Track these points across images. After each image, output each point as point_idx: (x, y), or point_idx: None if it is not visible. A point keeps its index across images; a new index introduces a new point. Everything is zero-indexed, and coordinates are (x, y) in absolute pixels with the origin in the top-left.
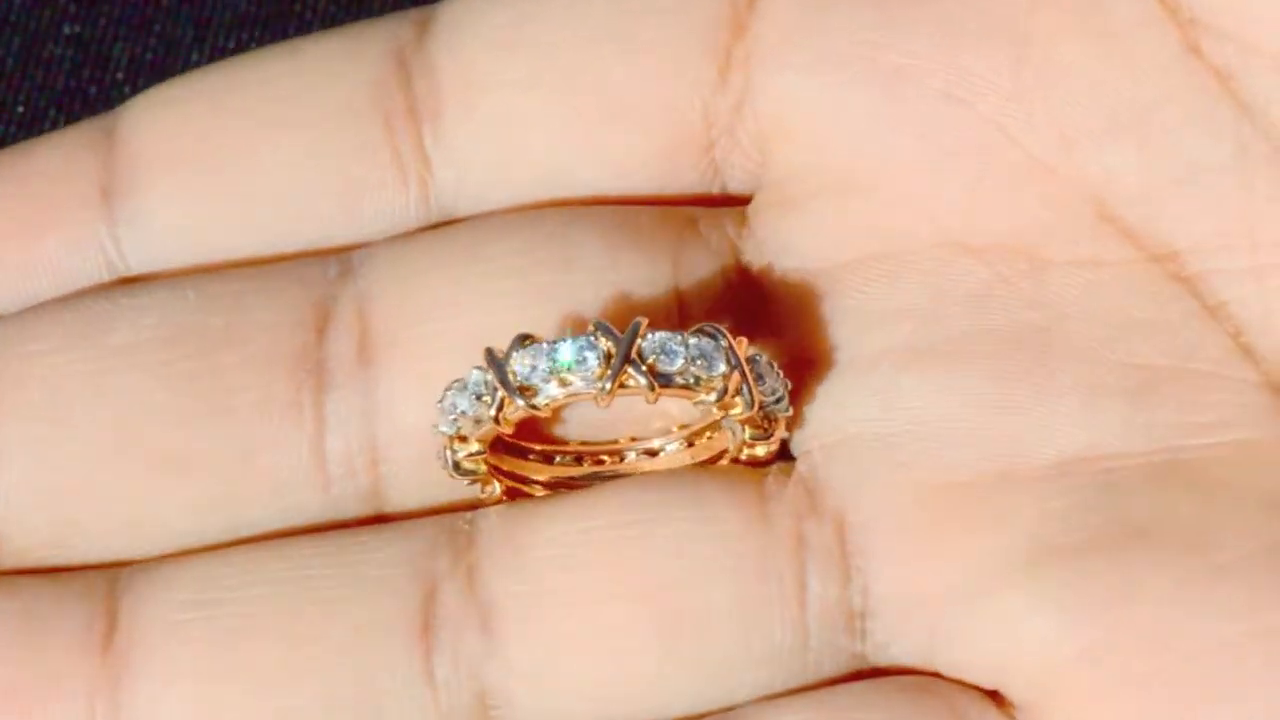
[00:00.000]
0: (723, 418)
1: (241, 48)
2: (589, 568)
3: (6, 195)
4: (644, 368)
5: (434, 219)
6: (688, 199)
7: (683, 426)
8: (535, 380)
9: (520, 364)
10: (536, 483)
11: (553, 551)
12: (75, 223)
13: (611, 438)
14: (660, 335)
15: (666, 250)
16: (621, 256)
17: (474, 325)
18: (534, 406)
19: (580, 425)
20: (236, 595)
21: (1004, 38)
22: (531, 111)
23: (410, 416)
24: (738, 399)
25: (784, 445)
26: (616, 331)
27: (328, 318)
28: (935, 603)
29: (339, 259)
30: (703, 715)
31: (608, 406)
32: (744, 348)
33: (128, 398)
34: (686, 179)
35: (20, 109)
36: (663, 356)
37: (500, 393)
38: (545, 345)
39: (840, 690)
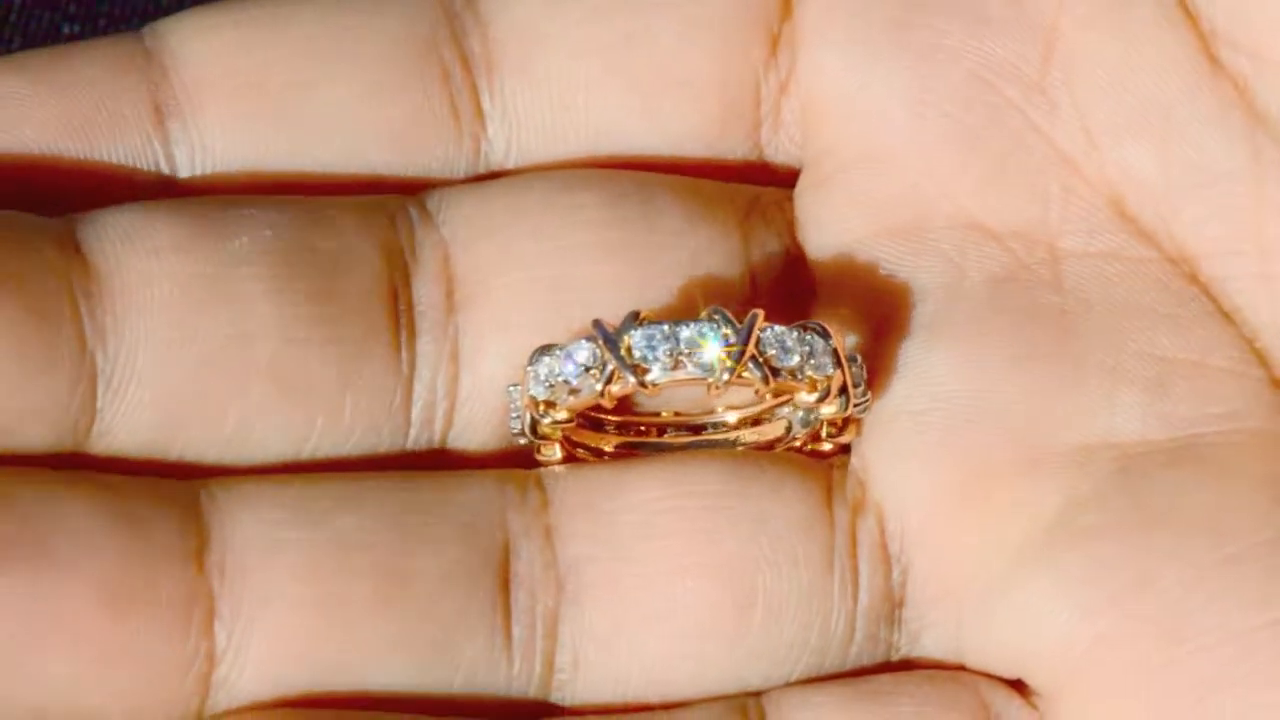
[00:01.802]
0: (777, 404)
1: None
2: (670, 537)
3: (57, 97)
4: (761, 361)
5: (482, 172)
6: (739, 171)
7: (730, 407)
8: (651, 360)
9: (638, 342)
10: (600, 451)
11: (634, 518)
12: (130, 134)
13: (656, 410)
14: (777, 329)
15: (735, 222)
16: (698, 224)
17: (557, 276)
18: (643, 384)
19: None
20: (331, 523)
21: (1032, 29)
22: (587, 72)
23: (493, 368)
24: (834, 401)
25: None
26: (735, 320)
27: (416, 261)
28: (962, 592)
29: (416, 201)
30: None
31: (719, 395)
32: (845, 350)
33: (250, 308)
34: (736, 152)
35: None
36: (780, 353)
37: (611, 366)
38: (667, 326)
39: (871, 678)
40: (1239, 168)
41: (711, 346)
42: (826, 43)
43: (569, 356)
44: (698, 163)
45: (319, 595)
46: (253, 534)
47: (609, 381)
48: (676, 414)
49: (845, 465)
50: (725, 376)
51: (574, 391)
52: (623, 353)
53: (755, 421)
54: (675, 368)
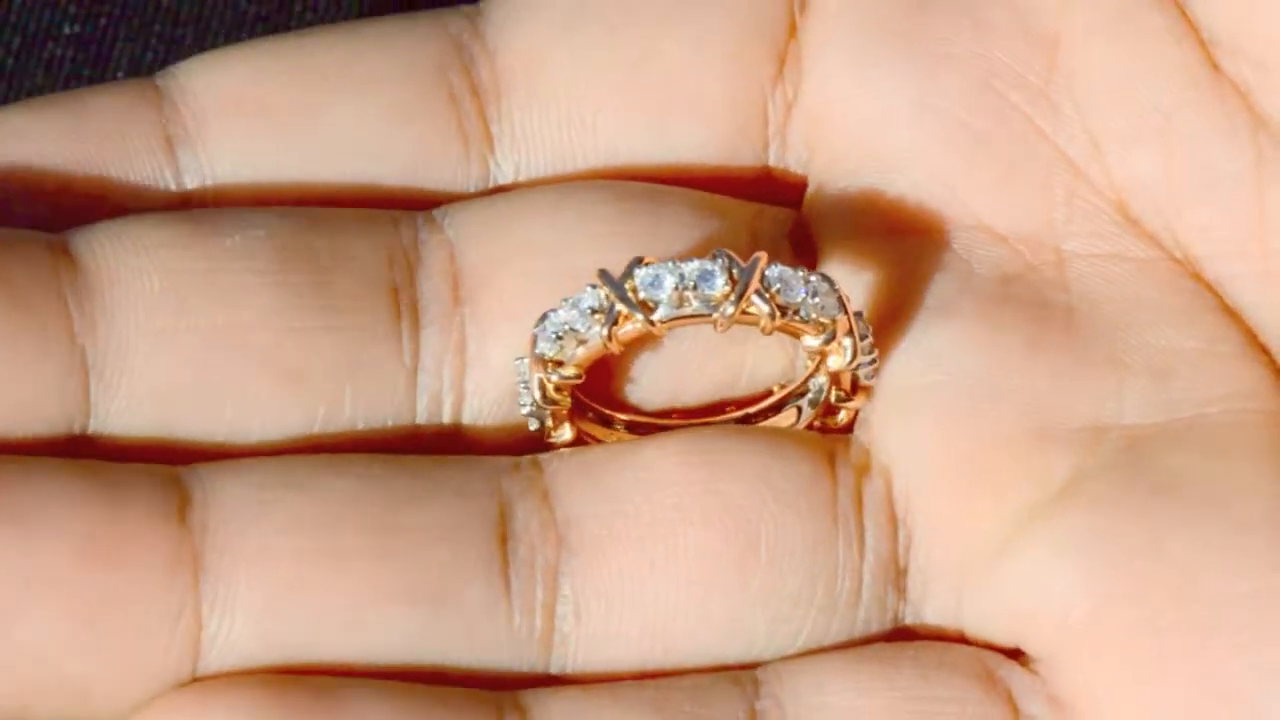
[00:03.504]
0: (785, 396)
1: None
2: (669, 487)
3: (71, 136)
4: (767, 295)
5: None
6: (747, 188)
7: (739, 406)
8: (657, 296)
9: (643, 280)
10: (597, 440)
11: (633, 475)
12: (141, 165)
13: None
14: (782, 268)
15: (744, 221)
16: (707, 220)
17: (568, 265)
18: (651, 323)
19: (642, 394)
20: (317, 486)
21: (1036, 38)
22: (595, 93)
23: (501, 357)
24: (839, 346)
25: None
26: (740, 260)
27: (419, 260)
28: (966, 559)
29: (422, 213)
30: (756, 663)
31: (725, 330)
32: (850, 301)
33: (243, 299)
34: (745, 171)
35: None
36: (784, 288)
37: (617, 308)
38: (671, 262)
39: (873, 647)
40: (1242, 171)
41: (716, 280)
42: (832, 55)
43: (575, 304)
44: (706, 181)
45: (309, 548)
46: (238, 495)
47: (615, 323)
48: (687, 415)
49: (849, 438)
50: (730, 310)
51: (582, 342)
52: (628, 292)
53: (766, 413)
54: (680, 304)
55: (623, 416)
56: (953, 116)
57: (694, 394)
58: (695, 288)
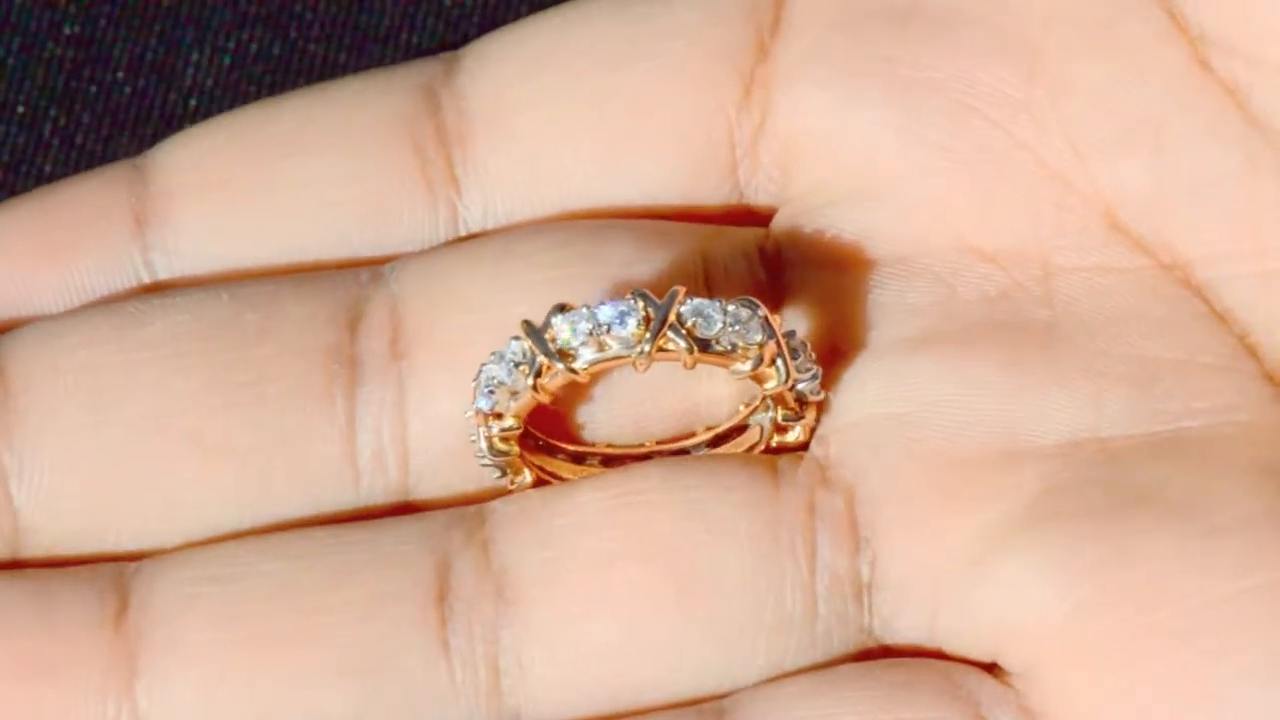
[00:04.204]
0: (751, 411)
1: (241, 48)
2: (603, 530)
3: (42, 224)
4: (683, 331)
5: (462, 235)
6: (713, 216)
7: (709, 429)
8: (575, 344)
9: (560, 328)
10: (564, 480)
11: (568, 520)
12: (109, 249)
13: (639, 441)
14: (698, 301)
15: (695, 249)
16: (652, 252)
17: (507, 316)
18: (573, 370)
19: (610, 428)
20: (250, 570)
21: (1016, 53)
22: (559, 132)
23: (443, 408)
24: (772, 370)
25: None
26: (654, 298)
27: (360, 317)
28: (938, 574)
29: (371, 269)
30: (712, 695)
31: (645, 370)
32: (779, 323)
33: (161, 387)
34: (712, 198)
35: (20, 109)
36: (701, 321)
37: (539, 359)
38: (584, 309)
39: (838, 669)
40: (1233, 172)
41: (629, 321)
42: (808, 81)
43: (501, 358)
44: (675, 211)
45: (238, 639)
46: (170, 593)
47: (539, 375)
48: (658, 443)
49: (801, 456)
50: (646, 349)
51: (514, 393)
52: (547, 341)
53: (731, 433)
54: (600, 349)
55: (595, 452)
56: (933, 141)
57: (662, 422)
58: (610, 330)
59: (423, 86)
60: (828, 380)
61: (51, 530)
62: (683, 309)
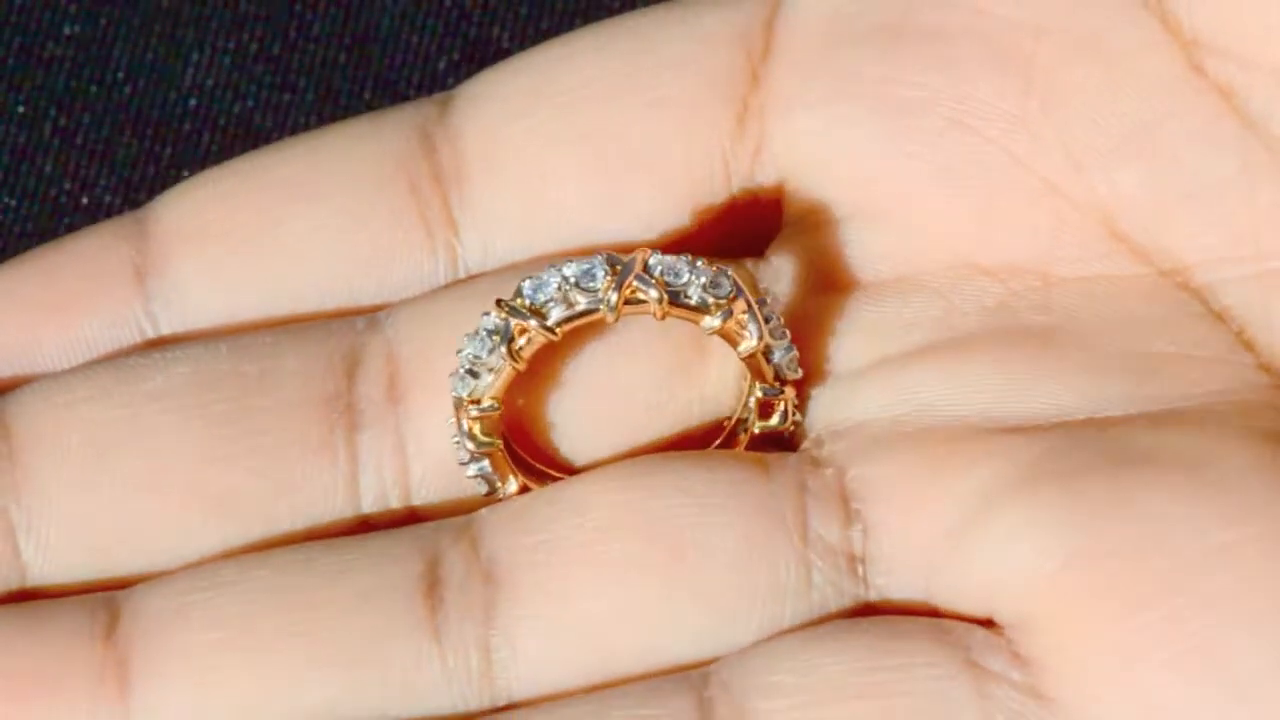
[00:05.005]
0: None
1: (241, 48)
2: (590, 511)
3: (45, 282)
4: (652, 280)
5: (462, 277)
6: (712, 245)
7: (712, 437)
8: (544, 301)
9: (528, 290)
10: None
11: (555, 507)
12: (111, 303)
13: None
14: (666, 257)
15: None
16: None
17: None
18: (547, 329)
19: (591, 446)
20: (239, 576)
21: (1009, 66)
22: (555, 168)
23: (442, 447)
24: (745, 331)
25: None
26: (622, 257)
27: (357, 364)
28: (931, 538)
29: (367, 316)
30: (708, 660)
31: (616, 320)
32: (754, 288)
33: (162, 439)
34: (711, 228)
35: (20, 109)
36: (670, 275)
37: (511, 324)
38: (551, 268)
39: (827, 625)
40: (1230, 175)
41: (597, 274)
42: (802, 106)
43: (474, 334)
44: (673, 243)
45: (228, 638)
46: (162, 604)
47: (512, 340)
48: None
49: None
50: (613, 297)
51: (491, 369)
52: (517, 304)
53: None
54: (569, 305)
55: (553, 473)
56: (929, 158)
57: (652, 438)
58: (578, 285)
59: (417, 128)
60: (822, 394)
61: (57, 581)
62: (650, 261)
